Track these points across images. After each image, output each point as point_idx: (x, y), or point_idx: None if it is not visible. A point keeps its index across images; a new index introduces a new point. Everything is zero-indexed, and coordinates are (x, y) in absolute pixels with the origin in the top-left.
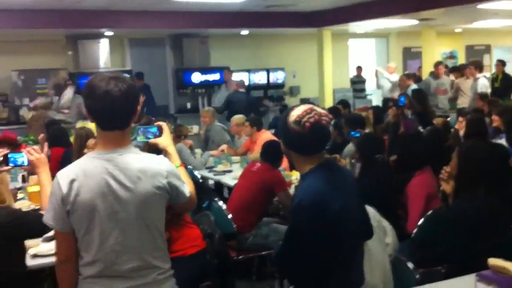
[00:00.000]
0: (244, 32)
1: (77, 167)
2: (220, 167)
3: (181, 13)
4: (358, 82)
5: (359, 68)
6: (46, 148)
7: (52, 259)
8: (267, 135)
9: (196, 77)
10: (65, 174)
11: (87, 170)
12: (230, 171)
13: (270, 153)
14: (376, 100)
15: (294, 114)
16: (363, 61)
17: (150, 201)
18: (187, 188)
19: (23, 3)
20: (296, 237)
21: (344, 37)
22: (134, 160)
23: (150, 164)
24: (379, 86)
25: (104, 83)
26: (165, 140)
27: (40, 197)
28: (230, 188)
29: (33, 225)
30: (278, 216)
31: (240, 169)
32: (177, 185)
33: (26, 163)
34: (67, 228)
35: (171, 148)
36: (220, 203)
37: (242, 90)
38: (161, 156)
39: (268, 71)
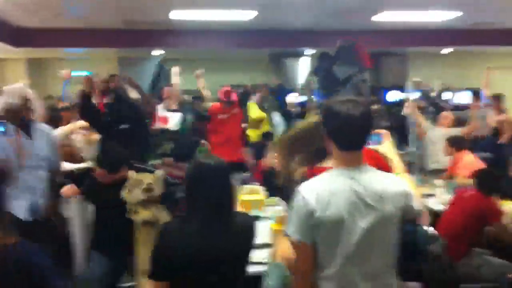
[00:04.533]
0: (446, 50)
1: (321, 182)
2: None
3: (381, 32)
4: None
5: None
6: None
7: None
8: (469, 157)
9: (392, 95)
10: (309, 188)
11: (332, 186)
12: (432, 195)
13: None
14: None
15: None
16: None
17: (393, 221)
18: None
19: (239, 24)
20: None
21: None
22: (376, 179)
23: (391, 184)
24: None
25: (345, 106)
26: None
27: None
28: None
29: None
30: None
31: (444, 194)
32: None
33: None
34: (310, 239)
35: None
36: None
37: None
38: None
39: (472, 91)
